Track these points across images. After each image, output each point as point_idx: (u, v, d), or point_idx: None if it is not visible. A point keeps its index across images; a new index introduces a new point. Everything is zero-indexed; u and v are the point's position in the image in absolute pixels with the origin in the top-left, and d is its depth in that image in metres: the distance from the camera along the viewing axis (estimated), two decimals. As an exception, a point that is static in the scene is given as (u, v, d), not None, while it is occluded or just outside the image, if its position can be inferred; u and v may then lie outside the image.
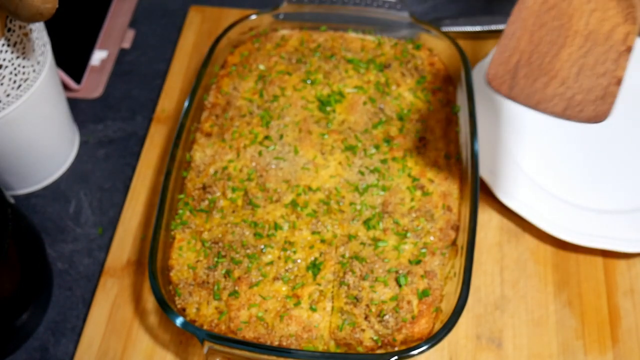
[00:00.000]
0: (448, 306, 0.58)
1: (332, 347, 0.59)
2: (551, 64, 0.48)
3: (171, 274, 0.62)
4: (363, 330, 0.58)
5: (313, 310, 0.59)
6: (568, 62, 0.48)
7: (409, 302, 0.59)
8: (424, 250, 0.62)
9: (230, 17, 0.92)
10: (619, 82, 0.47)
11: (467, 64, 0.73)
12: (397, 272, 0.60)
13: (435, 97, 0.74)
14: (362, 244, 0.63)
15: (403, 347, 0.57)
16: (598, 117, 0.48)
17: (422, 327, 0.58)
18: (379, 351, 0.58)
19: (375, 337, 0.58)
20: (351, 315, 0.59)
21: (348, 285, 0.60)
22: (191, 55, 0.88)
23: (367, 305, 0.59)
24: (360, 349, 0.58)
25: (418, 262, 0.61)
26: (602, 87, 0.47)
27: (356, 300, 0.59)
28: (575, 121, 0.49)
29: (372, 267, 0.61)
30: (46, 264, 0.68)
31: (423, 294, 0.59)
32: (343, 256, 0.62)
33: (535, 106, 0.50)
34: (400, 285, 0.60)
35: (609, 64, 0.47)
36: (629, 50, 0.47)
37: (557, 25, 0.47)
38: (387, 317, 0.58)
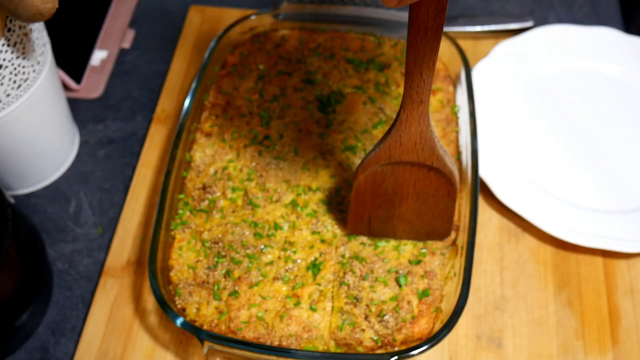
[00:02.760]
0: (448, 306, 0.58)
1: (332, 347, 0.59)
2: (396, 214, 0.61)
3: (171, 274, 0.62)
4: (363, 330, 0.58)
5: (313, 310, 0.59)
6: (408, 211, 0.61)
7: (409, 302, 0.59)
8: (424, 250, 0.62)
9: (230, 17, 0.91)
10: (450, 218, 0.61)
11: (467, 64, 0.73)
12: (397, 272, 0.60)
13: (435, 97, 0.74)
14: (362, 244, 0.63)
15: (403, 347, 0.57)
16: (442, 236, 0.63)
17: (422, 327, 0.58)
18: (379, 351, 0.58)
19: (375, 337, 0.58)
20: (351, 315, 0.59)
21: (348, 285, 0.60)
22: (191, 55, 0.88)
23: (367, 305, 0.59)
24: (360, 349, 0.58)
25: (418, 262, 0.62)
26: (440, 221, 0.62)
27: (356, 300, 0.59)
28: (425, 241, 0.64)
29: (372, 267, 0.61)
30: (46, 264, 0.68)
31: (423, 294, 0.59)
32: (343, 256, 0.62)
33: (392, 237, 0.64)
34: (400, 285, 0.60)
35: (440, 209, 0.60)
36: (453, 200, 0.59)
37: (391, 192, 0.59)
38: (387, 317, 0.58)
